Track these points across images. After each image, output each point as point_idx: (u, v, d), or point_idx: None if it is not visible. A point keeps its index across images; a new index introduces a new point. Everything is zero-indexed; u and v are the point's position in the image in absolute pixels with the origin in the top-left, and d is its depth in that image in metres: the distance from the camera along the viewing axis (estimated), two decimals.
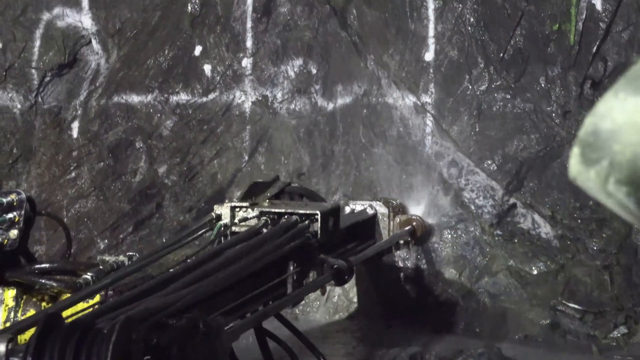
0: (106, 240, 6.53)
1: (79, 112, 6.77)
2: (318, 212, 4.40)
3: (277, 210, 4.44)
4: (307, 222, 4.37)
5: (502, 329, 5.79)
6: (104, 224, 6.58)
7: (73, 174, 6.68)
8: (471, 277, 5.98)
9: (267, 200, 4.71)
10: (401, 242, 5.96)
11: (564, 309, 5.69)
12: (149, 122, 6.70)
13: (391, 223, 5.89)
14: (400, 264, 6.08)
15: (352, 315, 6.14)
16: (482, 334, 5.79)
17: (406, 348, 5.39)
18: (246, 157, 6.60)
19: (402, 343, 5.57)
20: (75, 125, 6.75)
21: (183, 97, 6.68)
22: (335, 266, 4.42)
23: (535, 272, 5.86)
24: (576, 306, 5.68)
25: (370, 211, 5.84)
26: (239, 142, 6.63)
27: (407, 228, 5.91)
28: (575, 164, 1.39)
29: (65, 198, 6.62)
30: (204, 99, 6.67)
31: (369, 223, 5.80)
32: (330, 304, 6.19)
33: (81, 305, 3.46)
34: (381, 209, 5.87)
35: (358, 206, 5.86)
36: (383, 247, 5.73)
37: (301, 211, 4.42)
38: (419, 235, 5.98)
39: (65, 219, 6.53)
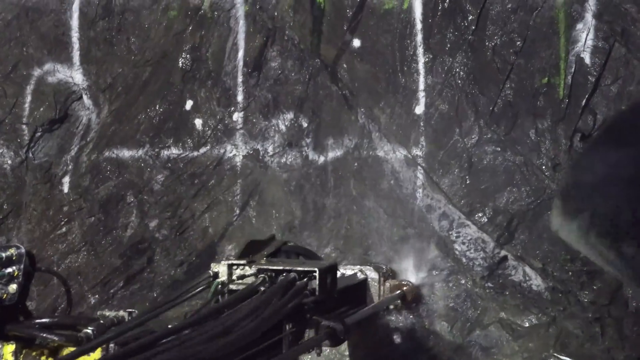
0: (97, 295, 6.50)
1: (70, 167, 6.78)
2: (316, 269, 4.39)
3: (275, 267, 4.42)
4: (305, 279, 4.36)
5: None
6: (95, 278, 6.56)
7: (64, 229, 6.67)
8: (463, 330, 5.96)
9: (264, 259, 4.70)
10: (391, 306, 5.98)
11: None
12: (140, 176, 6.70)
13: (381, 288, 5.89)
14: (392, 317, 6.06)
15: None
16: None
17: None
18: (237, 211, 6.60)
19: None
20: (66, 180, 6.75)
21: (174, 151, 6.68)
22: (330, 326, 4.43)
23: (526, 324, 5.85)
24: (568, 359, 5.66)
25: (360, 276, 5.84)
26: (230, 196, 6.62)
27: (397, 292, 5.92)
28: (557, 216, 1.41)
29: (56, 253, 6.60)
30: (195, 153, 6.68)
31: (360, 287, 5.79)
32: (322, 358, 6.15)
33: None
34: (371, 274, 5.88)
35: (348, 270, 5.86)
36: (376, 310, 5.74)
37: (299, 268, 4.40)
38: (410, 300, 5.98)
39: None
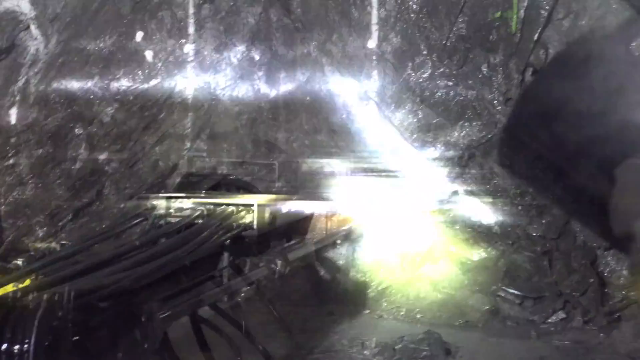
0: (45, 228, 6.44)
1: (17, 98, 6.67)
2: (255, 202, 4.38)
3: (212, 200, 4.41)
4: (243, 212, 4.35)
5: (443, 315, 5.80)
6: (43, 211, 6.49)
7: (11, 161, 6.58)
8: (413, 263, 5.98)
9: (203, 192, 4.68)
10: (338, 241, 5.99)
11: (504, 295, 5.72)
12: (89, 108, 6.62)
13: (328, 222, 5.90)
14: (342, 251, 6.07)
15: (293, 302, 6.11)
16: (424, 319, 5.80)
17: (346, 334, 5.39)
18: (188, 144, 6.55)
19: (342, 329, 5.56)
20: (14, 111, 6.65)
21: (124, 83, 6.60)
22: (271, 261, 4.46)
23: (476, 258, 5.88)
24: (516, 292, 5.71)
25: (306, 211, 5.84)
26: (180, 129, 6.57)
27: (343, 228, 5.91)
28: (503, 149, 1.39)
29: (3, 185, 6.52)
30: (146, 85, 6.60)
31: (306, 221, 5.80)
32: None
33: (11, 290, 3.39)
34: (318, 209, 5.88)
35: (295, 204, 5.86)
36: (319, 246, 5.75)
37: (237, 202, 4.40)
38: (356, 236, 5.99)
39: (3, 207, 6.44)
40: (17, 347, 2.49)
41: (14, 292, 2.98)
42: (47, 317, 2.54)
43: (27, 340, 2.48)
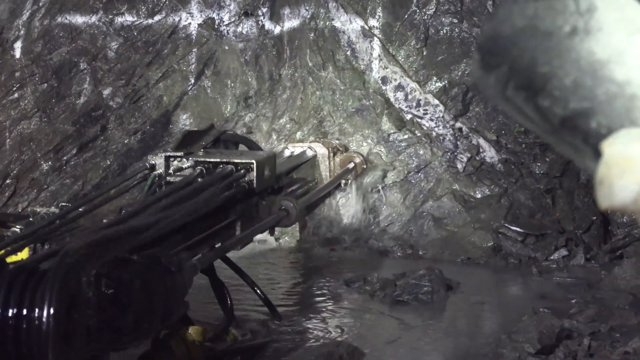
0: (50, 162, 6.44)
1: (22, 32, 6.64)
2: (253, 161, 4.38)
3: (212, 159, 4.40)
4: (242, 171, 4.35)
5: (445, 252, 5.84)
6: (47, 145, 6.48)
7: (16, 95, 6.56)
8: (416, 201, 6.01)
9: (202, 150, 4.65)
10: (342, 182, 6.01)
11: (506, 232, 5.75)
12: (93, 43, 6.60)
13: (331, 163, 5.91)
14: (345, 189, 6.09)
15: (296, 238, 6.15)
16: (426, 256, 5.84)
17: (349, 270, 5.45)
18: (192, 80, 6.54)
19: (343, 266, 5.62)
20: (18, 45, 6.61)
21: (128, 18, 6.57)
22: (283, 208, 4.51)
23: (479, 195, 5.91)
24: (518, 229, 5.74)
25: (309, 153, 5.85)
26: (185, 65, 6.56)
27: (348, 166, 5.93)
28: (475, 70, 1.38)
29: (8, 119, 6.51)
30: (150, 21, 6.57)
31: (309, 164, 5.81)
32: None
33: (15, 259, 3.36)
34: (321, 150, 5.89)
35: (297, 149, 5.86)
36: (327, 190, 5.79)
37: (236, 160, 4.39)
38: (360, 173, 6.01)
39: (8, 140, 6.44)
40: (37, 312, 2.52)
41: (33, 259, 2.98)
42: (69, 279, 2.58)
43: (47, 304, 2.52)
